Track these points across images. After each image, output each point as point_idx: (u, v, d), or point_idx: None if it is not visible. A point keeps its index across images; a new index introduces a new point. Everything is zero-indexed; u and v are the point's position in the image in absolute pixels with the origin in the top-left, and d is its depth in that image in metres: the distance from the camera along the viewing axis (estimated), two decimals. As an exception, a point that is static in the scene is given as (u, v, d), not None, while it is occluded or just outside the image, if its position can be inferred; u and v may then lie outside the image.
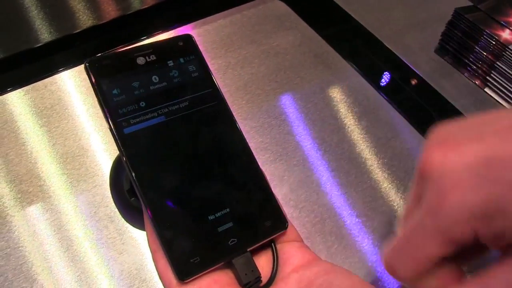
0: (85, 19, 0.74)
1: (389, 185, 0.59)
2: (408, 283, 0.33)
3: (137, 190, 0.36)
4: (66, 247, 0.52)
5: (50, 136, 0.60)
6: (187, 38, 0.42)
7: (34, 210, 0.54)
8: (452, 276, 0.33)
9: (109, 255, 0.52)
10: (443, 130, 0.32)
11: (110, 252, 0.52)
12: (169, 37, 0.43)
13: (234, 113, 0.41)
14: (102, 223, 0.54)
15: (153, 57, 0.40)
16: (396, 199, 0.57)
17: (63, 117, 0.62)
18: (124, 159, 0.37)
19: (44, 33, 0.71)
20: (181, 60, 0.41)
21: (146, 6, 0.75)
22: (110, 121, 0.37)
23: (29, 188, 0.56)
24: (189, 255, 0.35)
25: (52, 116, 0.62)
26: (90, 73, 0.38)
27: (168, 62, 0.40)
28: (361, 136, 0.63)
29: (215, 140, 0.39)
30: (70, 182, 0.57)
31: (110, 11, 0.75)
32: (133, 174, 0.36)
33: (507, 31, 0.69)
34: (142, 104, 0.38)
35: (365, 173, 0.59)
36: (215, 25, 0.74)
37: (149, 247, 0.38)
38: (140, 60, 0.39)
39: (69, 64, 0.68)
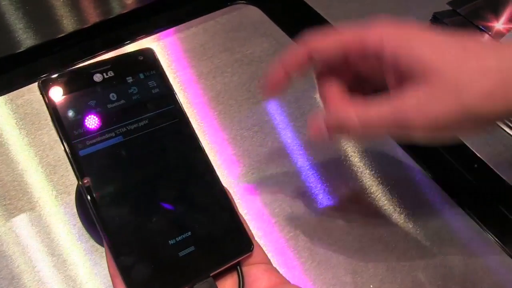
0: (66, 25, 0.72)
1: (365, 197, 0.57)
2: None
3: (93, 214, 0.35)
4: (31, 272, 0.50)
5: (16, 152, 0.58)
6: (148, 52, 0.40)
7: (13, 223, 0.53)
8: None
9: (80, 276, 0.50)
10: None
11: (80, 273, 0.51)
12: (132, 50, 0.41)
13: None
14: (71, 242, 0.52)
15: (111, 74, 0.38)
16: (371, 212, 0.56)
17: (30, 132, 0.60)
18: (80, 182, 0.35)
19: (27, 39, 0.70)
20: (141, 75, 0.39)
21: (112, 16, 0.73)
22: (64, 143, 0.35)
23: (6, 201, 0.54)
24: (148, 281, 0.34)
25: (19, 130, 0.60)
26: (43, 92, 0.36)
27: (127, 78, 0.39)
28: (338, 146, 0.62)
29: (176, 160, 0.38)
30: (35, 200, 0.55)
31: (84, 19, 0.73)
32: (89, 199, 0.35)
33: (486, 36, 0.68)
34: (99, 124, 0.36)
35: (340, 185, 0.58)
36: (188, 33, 0.72)
37: (109, 272, 0.36)
38: (97, 77, 0.38)
39: (52, 70, 0.66)
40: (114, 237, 0.34)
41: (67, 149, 0.35)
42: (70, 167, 0.56)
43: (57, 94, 0.36)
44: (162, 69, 0.40)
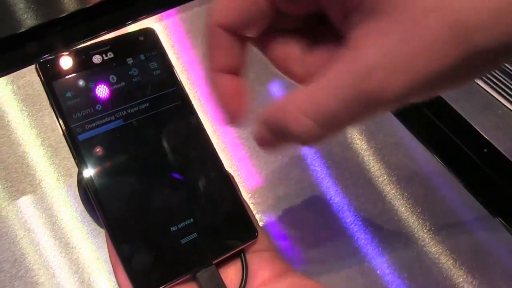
0: (67, 4, 0.71)
1: (372, 181, 0.56)
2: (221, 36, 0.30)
3: (93, 201, 0.34)
4: (34, 255, 0.50)
5: (18, 134, 0.57)
6: (149, 32, 0.39)
7: (19, 205, 0.52)
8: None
9: (81, 259, 0.50)
10: None
11: (82, 255, 0.50)
12: (132, 30, 0.39)
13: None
14: (73, 225, 0.52)
15: (110, 55, 0.37)
16: (378, 195, 0.55)
17: (31, 113, 0.59)
18: (79, 167, 0.34)
19: (28, 19, 0.68)
20: (141, 56, 0.38)
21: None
22: (62, 127, 0.34)
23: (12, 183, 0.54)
24: (150, 269, 0.33)
25: (19, 111, 0.59)
26: (41, 74, 0.35)
27: (127, 59, 0.37)
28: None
29: (178, 144, 0.37)
30: (38, 183, 0.54)
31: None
32: (88, 185, 0.34)
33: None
34: (99, 107, 0.35)
35: (346, 168, 0.57)
36: (191, 13, 0.71)
37: (110, 261, 0.35)
38: (96, 59, 0.37)
39: (52, 50, 0.65)
40: (114, 224, 0.34)
41: (65, 133, 0.34)
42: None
43: (55, 76, 0.35)
44: (164, 50, 0.39)
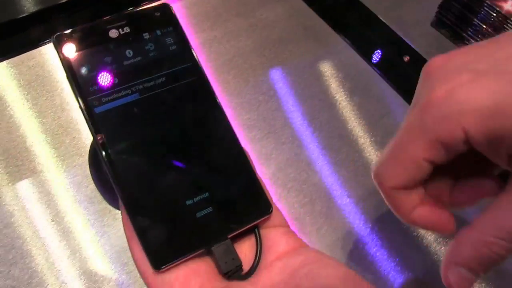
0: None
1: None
2: (396, 194, 0.32)
3: (109, 173, 0.34)
4: (44, 230, 0.50)
5: (28, 114, 0.57)
6: (165, 8, 0.39)
7: (11, 192, 0.52)
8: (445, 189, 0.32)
9: (89, 238, 0.50)
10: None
11: (90, 234, 0.50)
12: (146, 7, 0.39)
13: (219, 89, 0.38)
14: (82, 204, 0.52)
15: (127, 30, 0.37)
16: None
17: (41, 94, 0.59)
18: (96, 140, 0.34)
19: (26, 5, 0.68)
20: (158, 32, 0.38)
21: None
22: (80, 99, 0.34)
23: (7, 169, 0.54)
24: (165, 242, 0.33)
25: (30, 93, 0.59)
26: (58, 48, 0.35)
27: (144, 34, 0.37)
28: (353, 112, 0.61)
29: (194, 119, 0.37)
30: (49, 162, 0.54)
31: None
32: (105, 157, 0.34)
33: (510, 1, 0.66)
34: (115, 80, 0.35)
35: (356, 152, 0.57)
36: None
37: (125, 234, 0.35)
38: (113, 33, 0.36)
39: (46, 38, 0.65)
40: (130, 197, 0.34)
41: (82, 106, 0.34)
42: (82, 129, 0.56)
43: (72, 49, 0.35)
44: (180, 26, 0.39)
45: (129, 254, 0.49)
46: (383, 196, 0.33)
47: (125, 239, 0.49)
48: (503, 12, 0.65)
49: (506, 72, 0.26)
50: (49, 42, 0.64)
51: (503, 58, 0.27)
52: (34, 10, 0.67)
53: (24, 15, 0.67)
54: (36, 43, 0.64)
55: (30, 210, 0.51)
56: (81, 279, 0.48)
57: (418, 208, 0.32)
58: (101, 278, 0.48)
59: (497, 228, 0.28)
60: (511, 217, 0.28)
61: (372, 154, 0.57)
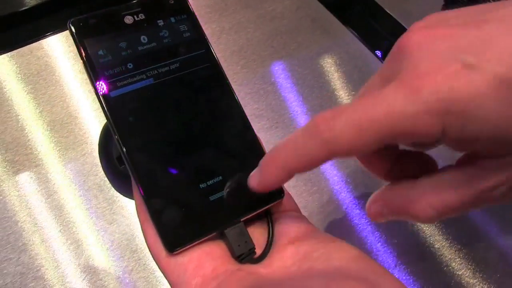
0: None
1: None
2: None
3: (124, 157, 0.34)
4: (54, 217, 0.50)
5: (37, 103, 0.58)
6: None
7: (21, 180, 0.52)
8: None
9: (98, 226, 0.50)
10: (435, 16, 0.30)
11: (99, 222, 0.51)
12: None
13: (229, 79, 0.38)
14: (91, 192, 0.52)
15: (141, 16, 0.37)
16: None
17: (50, 83, 0.60)
18: (111, 124, 0.35)
19: None
20: (172, 19, 0.38)
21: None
22: (95, 83, 0.35)
23: (15, 157, 0.54)
24: (179, 225, 0.34)
25: (38, 83, 0.59)
26: (74, 33, 0.36)
27: (158, 21, 0.38)
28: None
29: (208, 104, 0.37)
30: (58, 151, 0.55)
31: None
32: (120, 141, 0.34)
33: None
34: (130, 65, 0.36)
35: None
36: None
37: (138, 217, 0.36)
38: (128, 19, 0.37)
39: (56, 28, 0.65)
40: (145, 179, 0.34)
41: (97, 89, 0.35)
42: (91, 118, 0.57)
43: (87, 34, 0.36)
44: (194, 13, 0.39)
45: (138, 242, 0.50)
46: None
47: (134, 227, 0.50)
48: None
49: (492, 72, 0.25)
50: (57, 32, 0.64)
51: (495, 51, 0.26)
52: (43, 0, 0.68)
53: (33, 4, 0.67)
54: (44, 33, 0.64)
55: (38, 198, 0.51)
56: (90, 265, 0.48)
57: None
58: (111, 265, 0.48)
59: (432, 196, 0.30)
60: (456, 193, 0.30)
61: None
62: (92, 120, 0.57)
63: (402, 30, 0.71)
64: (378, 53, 0.67)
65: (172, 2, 0.39)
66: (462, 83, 0.25)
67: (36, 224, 0.50)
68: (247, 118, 0.38)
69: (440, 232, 0.51)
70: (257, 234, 0.36)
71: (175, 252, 0.33)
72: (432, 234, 0.51)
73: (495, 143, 0.27)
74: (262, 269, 0.34)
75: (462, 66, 0.26)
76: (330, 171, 0.55)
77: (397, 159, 0.35)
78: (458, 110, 0.26)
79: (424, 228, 0.52)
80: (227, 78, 0.38)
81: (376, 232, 0.51)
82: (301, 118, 0.59)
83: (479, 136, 0.27)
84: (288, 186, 0.52)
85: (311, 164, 0.30)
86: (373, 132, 0.27)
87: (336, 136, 0.28)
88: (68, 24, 0.36)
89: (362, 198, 0.53)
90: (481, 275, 0.49)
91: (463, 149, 0.30)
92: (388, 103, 0.27)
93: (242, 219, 0.35)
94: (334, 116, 0.28)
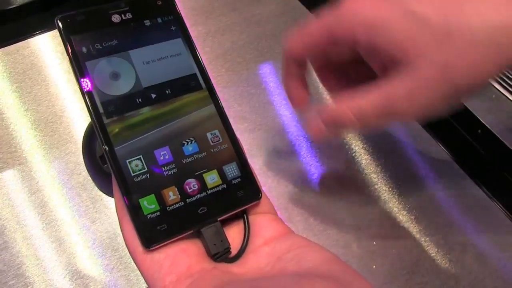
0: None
1: (369, 158, 0.58)
2: (291, 63, 0.46)
3: (105, 153, 0.35)
4: (37, 215, 0.51)
5: (22, 102, 0.58)
6: None
7: (4, 177, 0.53)
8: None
9: (81, 224, 0.51)
10: None
11: (82, 220, 0.51)
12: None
13: (213, 81, 0.39)
14: (75, 191, 0.53)
15: (129, 16, 0.38)
16: (376, 169, 0.57)
17: (36, 82, 0.60)
18: (93, 121, 0.35)
19: None
20: (159, 20, 0.39)
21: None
22: (80, 80, 0.35)
23: (15, 148, 0.54)
24: (156, 222, 0.34)
25: (24, 81, 0.60)
26: (61, 29, 0.36)
27: (145, 21, 0.38)
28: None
29: (190, 104, 0.38)
30: (42, 149, 0.55)
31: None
32: (102, 136, 0.35)
33: None
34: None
35: (346, 144, 0.58)
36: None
37: (117, 213, 0.36)
38: (115, 18, 0.38)
39: (43, 28, 0.66)
40: (124, 175, 0.35)
41: (82, 86, 0.35)
42: (76, 117, 0.57)
43: (74, 31, 0.36)
44: (181, 15, 0.40)
45: (120, 240, 0.50)
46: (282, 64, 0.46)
47: (116, 225, 0.51)
48: None
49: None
50: (44, 31, 0.65)
51: None
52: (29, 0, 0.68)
53: (19, 4, 0.68)
54: (31, 32, 0.65)
55: (21, 196, 0.52)
56: (72, 263, 0.49)
57: (293, 78, 0.47)
58: (92, 263, 0.49)
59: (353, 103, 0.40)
60: (367, 98, 0.40)
61: (360, 147, 0.58)
62: (76, 119, 0.57)
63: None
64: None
65: (160, 3, 0.40)
66: (380, 10, 0.38)
67: (19, 222, 0.50)
68: (228, 119, 0.39)
69: (416, 232, 0.52)
70: (234, 234, 0.37)
71: (151, 248, 0.33)
72: (407, 234, 0.52)
73: (394, 55, 0.38)
74: (236, 269, 0.34)
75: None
76: (312, 173, 0.56)
77: (342, 72, 0.47)
78: (367, 24, 0.39)
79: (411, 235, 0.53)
80: (210, 79, 0.39)
81: (356, 231, 0.52)
82: (284, 120, 0.59)
83: (382, 47, 0.38)
84: (269, 188, 0.54)
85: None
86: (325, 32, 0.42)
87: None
88: (55, 20, 0.36)
89: (343, 202, 0.54)
90: (456, 275, 0.50)
91: (372, 60, 0.41)
92: (330, 18, 0.42)
93: (219, 219, 0.36)
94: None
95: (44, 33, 0.65)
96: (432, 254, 0.51)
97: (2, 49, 0.62)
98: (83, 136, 0.54)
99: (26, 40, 0.64)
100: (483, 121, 0.59)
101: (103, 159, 0.51)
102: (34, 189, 0.52)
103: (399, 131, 0.60)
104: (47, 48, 0.63)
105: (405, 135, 0.60)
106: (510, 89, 0.62)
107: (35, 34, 0.65)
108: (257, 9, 0.71)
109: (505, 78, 0.63)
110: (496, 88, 0.62)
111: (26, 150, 0.55)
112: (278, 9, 0.72)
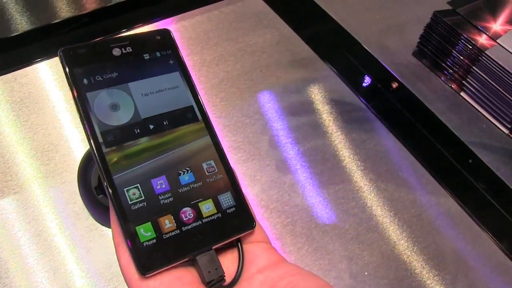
0: (62, 10, 0.72)
1: (362, 187, 0.58)
2: None
3: (103, 179, 0.35)
4: (32, 245, 0.51)
5: (19, 130, 0.59)
6: (165, 33, 0.41)
7: (0, 206, 0.53)
8: None
9: (76, 253, 0.51)
10: None
11: (77, 250, 0.51)
12: (146, 31, 0.42)
13: (207, 112, 0.40)
14: (70, 220, 0.53)
15: (129, 49, 0.39)
16: (368, 201, 0.57)
17: (33, 111, 0.61)
18: (92, 148, 0.36)
19: (17, 24, 0.70)
20: (158, 54, 0.40)
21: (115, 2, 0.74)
22: (81, 112, 0.36)
23: (11, 177, 0.55)
24: (152, 249, 0.35)
25: (21, 110, 0.60)
26: (63, 61, 0.37)
27: (144, 55, 0.39)
28: (336, 137, 0.63)
29: (188, 136, 0.38)
30: (38, 178, 0.55)
31: (89, 3, 0.74)
32: (100, 164, 0.35)
33: (484, 36, 0.69)
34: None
35: (338, 175, 0.59)
36: (192, 21, 0.73)
37: (113, 240, 0.37)
38: (116, 51, 0.39)
39: (42, 56, 0.66)
40: (121, 203, 0.35)
41: (82, 115, 0.36)
42: (72, 146, 0.58)
43: (76, 63, 0.37)
44: (178, 50, 0.41)
45: (114, 270, 0.50)
46: None
47: (111, 255, 0.51)
48: (477, 46, 0.68)
49: None
50: (42, 60, 0.66)
51: None
52: (28, 29, 0.69)
53: (18, 33, 0.69)
54: (29, 61, 0.66)
55: (16, 225, 0.52)
56: (66, 292, 0.49)
57: None
58: (86, 292, 0.49)
59: None
60: None
61: (354, 177, 0.59)
62: (72, 149, 0.58)
63: (378, 64, 0.73)
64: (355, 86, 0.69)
65: (159, 38, 0.41)
66: None
67: (13, 251, 0.50)
68: (223, 150, 0.39)
69: (402, 237, 0.53)
70: (228, 262, 0.37)
71: (147, 275, 0.34)
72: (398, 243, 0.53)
73: None
74: (231, 297, 0.35)
75: None
76: (306, 203, 0.56)
77: None
78: None
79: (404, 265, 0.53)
80: (207, 111, 0.40)
81: (348, 262, 0.52)
82: (278, 151, 0.60)
83: None
84: (262, 217, 0.54)
85: None
86: None
87: None
88: (58, 52, 0.37)
89: (336, 233, 0.54)
90: (435, 275, 0.50)
91: None
92: None
93: (213, 247, 0.36)
94: None
95: (43, 61, 0.66)
96: (424, 285, 0.51)
97: (1, 77, 0.63)
98: (79, 166, 0.55)
99: (24, 69, 0.64)
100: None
101: (98, 190, 0.52)
102: (29, 218, 0.52)
103: (404, 171, 0.61)
104: (45, 77, 0.64)
105: (409, 174, 0.61)
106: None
107: (32, 63, 0.65)
108: (252, 39, 0.73)
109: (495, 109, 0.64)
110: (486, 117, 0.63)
111: (22, 178, 0.55)
112: (273, 39, 0.73)
